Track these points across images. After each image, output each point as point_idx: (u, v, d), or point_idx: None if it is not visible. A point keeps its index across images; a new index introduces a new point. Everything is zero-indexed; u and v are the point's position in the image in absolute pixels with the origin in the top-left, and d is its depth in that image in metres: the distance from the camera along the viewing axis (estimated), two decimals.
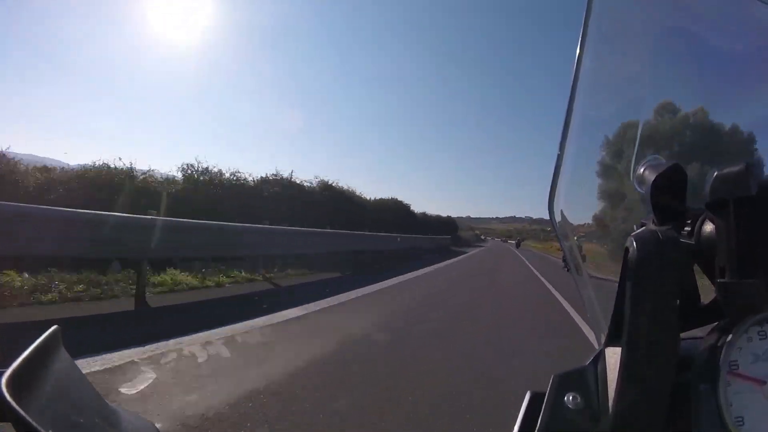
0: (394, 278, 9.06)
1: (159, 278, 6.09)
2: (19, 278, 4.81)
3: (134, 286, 5.22)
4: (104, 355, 2.92)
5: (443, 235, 30.61)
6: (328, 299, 5.89)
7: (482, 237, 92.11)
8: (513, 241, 64.05)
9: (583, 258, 0.48)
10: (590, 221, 0.50)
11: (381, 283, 8.09)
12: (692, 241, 0.35)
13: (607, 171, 0.49)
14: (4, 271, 4.69)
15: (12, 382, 0.23)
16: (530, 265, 17.95)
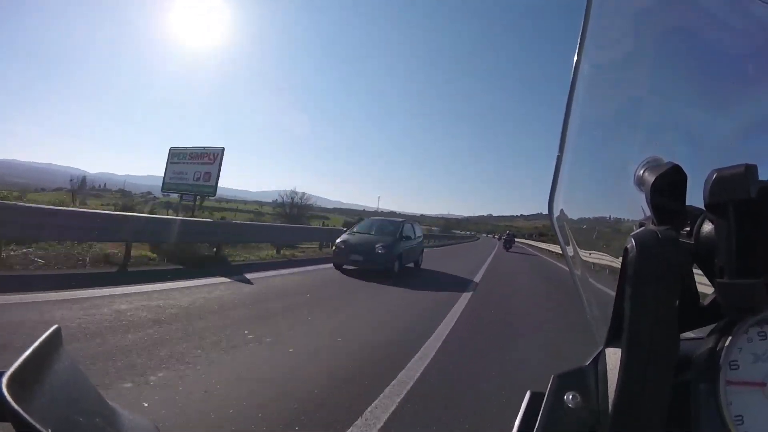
0: None
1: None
2: None
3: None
4: None
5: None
6: None
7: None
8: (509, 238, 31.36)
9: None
10: (590, 221, 0.50)
11: None
12: (692, 242, 0.35)
13: (607, 171, 0.49)
14: None
15: (13, 382, 0.23)
16: None
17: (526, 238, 67.42)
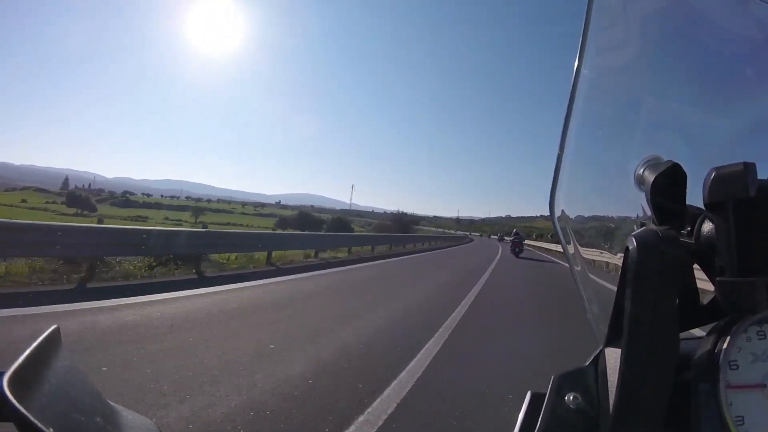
0: None
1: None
2: None
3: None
4: None
5: None
6: None
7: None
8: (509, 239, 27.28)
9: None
10: (591, 221, 0.50)
11: None
12: (692, 241, 0.35)
13: (607, 170, 0.49)
14: None
15: (13, 382, 0.23)
16: None
17: (533, 239, 57.14)
